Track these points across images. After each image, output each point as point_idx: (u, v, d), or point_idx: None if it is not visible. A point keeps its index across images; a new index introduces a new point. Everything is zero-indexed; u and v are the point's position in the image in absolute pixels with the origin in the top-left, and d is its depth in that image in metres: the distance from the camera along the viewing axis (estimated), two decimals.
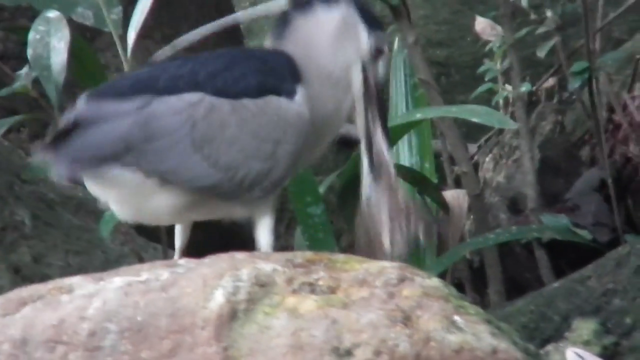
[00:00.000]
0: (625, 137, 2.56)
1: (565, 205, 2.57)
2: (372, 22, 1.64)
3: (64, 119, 1.66)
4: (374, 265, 1.49)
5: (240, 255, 1.49)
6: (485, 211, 2.53)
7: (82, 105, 1.66)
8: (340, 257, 1.52)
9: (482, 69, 2.70)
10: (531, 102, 2.82)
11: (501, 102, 2.74)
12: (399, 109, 2.68)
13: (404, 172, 2.54)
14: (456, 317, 1.42)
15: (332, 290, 1.46)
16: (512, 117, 2.59)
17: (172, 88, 1.66)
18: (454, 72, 3.20)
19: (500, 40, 2.65)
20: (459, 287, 2.19)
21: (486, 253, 2.46)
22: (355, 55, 1.63)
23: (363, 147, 1.71)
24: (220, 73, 1.68)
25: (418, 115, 2.51)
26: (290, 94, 1.67)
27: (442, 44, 3.30)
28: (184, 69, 1.68)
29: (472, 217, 2.59)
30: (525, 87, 2.59)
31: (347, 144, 3.07)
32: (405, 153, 2.60)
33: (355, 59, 1.63)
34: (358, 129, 1.70)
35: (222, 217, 1.72)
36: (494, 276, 2.41)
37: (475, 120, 2.30)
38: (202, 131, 1.64)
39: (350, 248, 2.73)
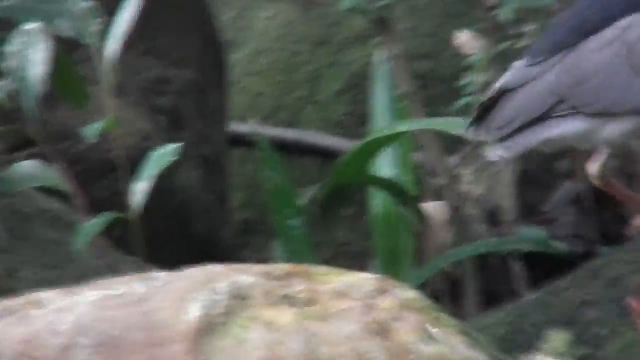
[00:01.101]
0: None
1: (543, 217, 2.58)
2: None
3: (491, 90, 1.69)
4: (353, 277, 1.49)
5: (217, 268, 1.49)
6: (464, 223, 2.54)
7: (509, 72, 1.68)
8: (320, 269, 1.52)
9: (462, 82, 2.71)
10: None
11: None
12: (382, 122, 2.69)
13: (385, 184, 2.55)
14: (433, 329, 1.42)
15: (311, 302, 1.46)
16: None
17: (601, 21, 1.63)
18: (435, 84, 3.21)
19: (481, 54, 2.67)
20: (437, 298, 2.20)
21: (464, 265, 2.47)
22: None
23: None
24: None
25: (400, 128, 2.52)
26: None
27: (425, 56, 3.31)
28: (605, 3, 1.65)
29: (451, 229, 2.59)
30: None
31: (329, 155, 3.08)
32: (386, 165, 2.61)
33: None
34: None
35: None
36: (471, 288, 2.42)
37: (455, 133, 2.31)
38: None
39: (330, 260, 2.73)
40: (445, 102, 2.93)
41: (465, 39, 2.75)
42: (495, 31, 2.70)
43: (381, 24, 2.60)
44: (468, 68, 2.73)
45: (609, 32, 1.63)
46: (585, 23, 1.65)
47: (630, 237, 1.70)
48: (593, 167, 1.73)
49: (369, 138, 2.55)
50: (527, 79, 1.65)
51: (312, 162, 3.10)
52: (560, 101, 1.62)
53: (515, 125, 1.63)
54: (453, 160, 2.81)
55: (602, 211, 2.52)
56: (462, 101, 2.69)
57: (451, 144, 2.75)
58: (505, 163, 1.67)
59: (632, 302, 1.03)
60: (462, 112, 2.67)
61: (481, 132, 1.66)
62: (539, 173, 2.71)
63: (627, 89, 1.61)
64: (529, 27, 2.70)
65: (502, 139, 1.64)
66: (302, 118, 3.28)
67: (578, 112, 1.62)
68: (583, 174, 2.48)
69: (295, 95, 3.34)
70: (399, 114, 2.67)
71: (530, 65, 1.67)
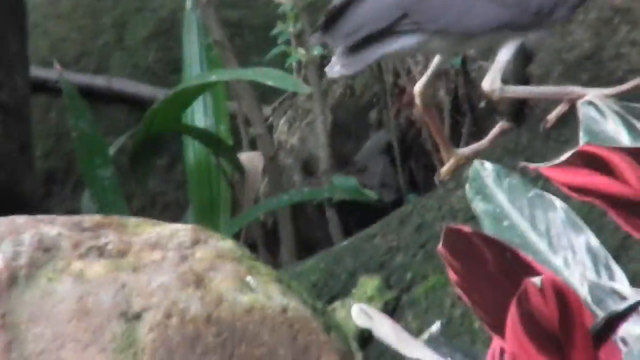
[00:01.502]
0: (409, 100, 2.68)
1: (355, 167, 2.67)
2: None
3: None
4: (167, 228, 1.49)
5: (21, 219, 1.44)
6: (279, 173, 2.58)
7: None
8: (132, 220, 1.50)
9: (275, 31, 2.73)
10: (323, 66, 2.88)
11: (294, 65, 2.78)
12: (193, 70, 2.66)
13: (198, 133, 2.53)
14: (248, 278, 1.44)
15: (122, 253, 1.44)
16: (305, 80, 2.64)
17: None
18: (247, 33, 3.21)
19: (292, 3, 2.69)
20: (253, 247, 2.23)
21: (279, 214, 2.51)
22: None
23: None
24: None
25: (213, 77, 2.50)
26: None
27: (235, 4, 3.29)
28: None
29: (266, 178, 2.63)
30: (317, 51, 2.64)
31: (139, 104, 3.02)
32: (201, 115, 2.59)
33: None
34: None
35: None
36: (286, 236, 2.47)
37: (269, 83, 2.33)
38: None
39: (142, 211, 2.70)
40: (257, 51, 2.93)
41: None
42: None
43: None
44: (280, 17, 2.75)
45: None
46: None
47: (436, 185, 1.79)
48: (419, 86, 1.79)
49: (181, 86, 2.52)
50: None
51: (121, 110, 3.02)
52: (405, 15, 1.68)
53: (360, 36, 1.67)
54: (267, 109, 2.84)
55: (410, 160, 2.64)
56: (275, 50, 2.70)
57: (265, 93, 2.77)
58: (344, 78, 1.72)
59: (440, 248, 1.10)
60: (275, 61, 2.68)
61: (327, 39, 1.69)
62: (351, 123, 2.79)
63: (467, 9, 1.70)
64: None
65: (345, 50, 1.68)
66: (109, 64, 3.18)
67: (419, 29, 1.69)
68: (393, 123, 2.58)
69: (101, 40, 3.23)
70: (211, 63, 2.65)
71: None
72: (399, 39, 1.69)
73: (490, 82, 1.72)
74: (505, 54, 1.72)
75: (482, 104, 2.63)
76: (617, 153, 1.17)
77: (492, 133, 1.82)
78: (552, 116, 1.77)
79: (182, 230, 1.49)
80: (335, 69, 1.68)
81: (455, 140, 2.60)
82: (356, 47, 1.68)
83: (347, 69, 1.69)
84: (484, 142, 1.81)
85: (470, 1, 1.69)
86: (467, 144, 2.57)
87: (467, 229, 1.12)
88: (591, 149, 1.20)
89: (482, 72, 2.64)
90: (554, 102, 1.77)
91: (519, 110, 2.50)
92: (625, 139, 1.25)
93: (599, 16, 2.37)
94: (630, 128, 1.25)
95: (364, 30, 1.67)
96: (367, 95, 2.81)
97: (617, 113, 1.25)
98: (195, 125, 2.57)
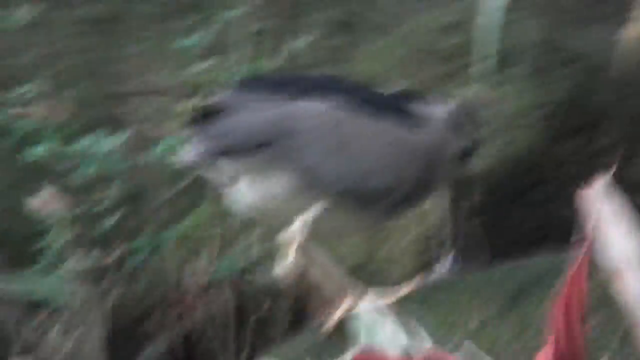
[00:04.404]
0: (192, 303, 2.71)
1: None
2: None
3: (211, 101, 1.83)
4: None
5: None
6: None
7: (230, 91, 1.87)
8: None
9: (43, 242, 2.68)
10: (99, 276, 2.85)
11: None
12: None
13: None
14: None
15: None
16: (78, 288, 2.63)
17: (316, 91, 1.88)
18: (11, 247, 3.07)
19: (63, 212, 2.69)
20: None
21: None
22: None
23: None
24: (365, 89, 1.95)
25: None
26: (423, 127, 1.96)
27: None
28: (328, 78, 1.98)
29: None
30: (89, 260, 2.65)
31: None
32: None
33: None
34: None
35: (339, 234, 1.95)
36: None
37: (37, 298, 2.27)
38: (343, 134, 1.86)
39: None
40: (20, 265, 2.84)
41: (45, 198, 2.77)
42: (76, 191, 2.79)
43: None
44: (47, 228, 2.74)
45: (320, 104, 1.88)
46: (308, 83, 1.93)
47: None
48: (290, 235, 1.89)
49: None
50: (251, 104, 1.85)
51: None
52: (270, 142, 1.84)
53: (226, 145, 1.83)
54: (40, 317, 2.78)
55: None
56: (43, 262, 2.68)
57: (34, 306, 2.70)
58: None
59: None
60: (45, 272, 2.67)
61: (199, 132, 1.83)
62: (130, 327, 2.79)
63: (325, 160, 1.85)
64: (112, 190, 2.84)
65: (213, 148, 1.83)
66: None
67: (285, 166, 1.85)
68: (176, 326, 2.60)
69: None
70: None
71: (258, 91, 1.88)
72: (254, 160, 1.85)
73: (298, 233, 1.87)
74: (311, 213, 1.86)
75: None
76: (393, 357, 1.30)
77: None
78: (333, 321, 1.84)
79: None
80: (192, 152, 1.84)
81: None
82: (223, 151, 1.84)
83: (199, 159, 1.85)
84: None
85: (327, 153, 1.86)
86: None
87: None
88: (369, 351, 1.33)
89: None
90: (332, 307, 1.84)
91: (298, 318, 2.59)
92: (403, 340, 1.40)
93: None
94: (407, 330, 1.41)
95: (230, 140, 1.83)
96: (149, 297, 2.82)
97: (394, 315, 1.41)
98: None
